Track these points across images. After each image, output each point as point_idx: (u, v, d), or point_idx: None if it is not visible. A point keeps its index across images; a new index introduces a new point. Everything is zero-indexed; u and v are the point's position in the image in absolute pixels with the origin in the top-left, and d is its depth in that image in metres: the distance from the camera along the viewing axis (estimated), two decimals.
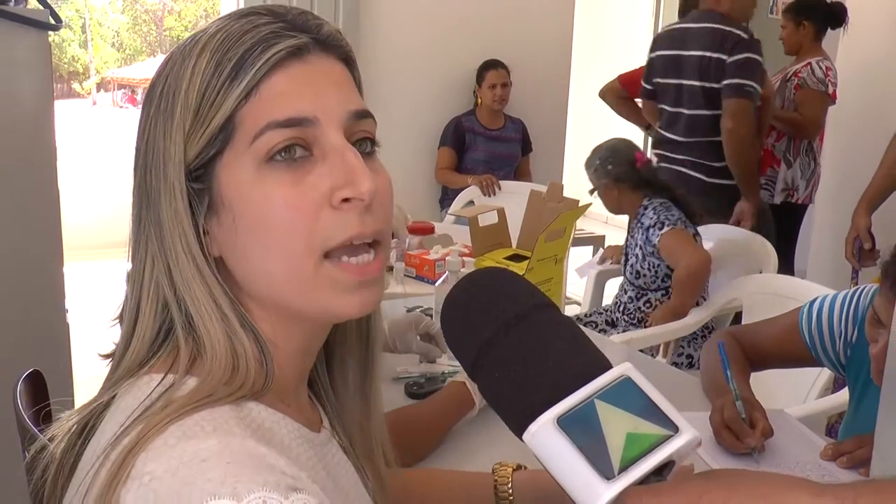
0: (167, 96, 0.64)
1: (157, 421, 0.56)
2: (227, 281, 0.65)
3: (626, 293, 2.86)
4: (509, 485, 0.92)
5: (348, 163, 0.62)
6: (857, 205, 2.78)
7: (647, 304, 2.80)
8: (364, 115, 0.66)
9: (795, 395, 1.96)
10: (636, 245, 2.74)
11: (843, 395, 1.90)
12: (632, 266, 2.79)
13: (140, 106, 0.68)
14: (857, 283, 2.66)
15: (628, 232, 2.83)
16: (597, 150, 2.77)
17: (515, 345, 0.55)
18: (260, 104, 0.62)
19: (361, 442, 0.78)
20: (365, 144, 0.67)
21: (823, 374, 1.95)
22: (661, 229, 2.64)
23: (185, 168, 0.63)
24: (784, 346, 1.56)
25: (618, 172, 2.69)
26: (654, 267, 2.71)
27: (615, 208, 2.80)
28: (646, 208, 2.69)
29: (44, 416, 0.92)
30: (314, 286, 0.63)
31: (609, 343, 2.00)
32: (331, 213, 0.62)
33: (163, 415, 0.57)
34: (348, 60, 0.69)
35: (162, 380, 0.62)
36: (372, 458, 0.79)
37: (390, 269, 2.35)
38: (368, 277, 0.64)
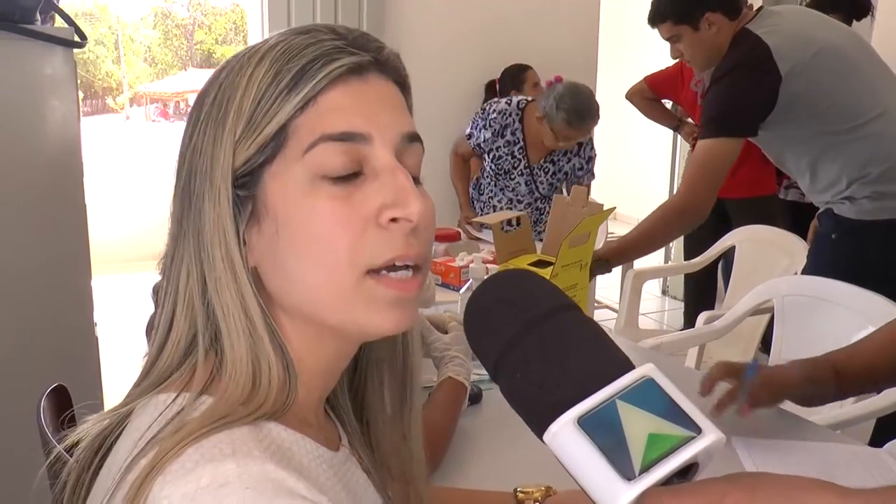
0: (220, 104, 0.63)
1: (174, 443, 0.55)
2: (261, 293, 0.64)
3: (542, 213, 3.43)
4: None
5: (399, 182, 0.63)
6: None
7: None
8: (415, 138, 0.67)
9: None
10: (576, 167, 3.36)
11: (882, 399, 1.85)
12: (566, 173, 3.38)
13: (188, 112, 0.67)
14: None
15: (553, 162, 3.36)
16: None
17: (536, 345, 0.54)
18: (316, 116, 0.62)
19: (398, 465, 0.77)
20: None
21: None
22: (591, 174, 3.41)
23: (232, 173, 0.62)
24: (887, 350, 1.50)
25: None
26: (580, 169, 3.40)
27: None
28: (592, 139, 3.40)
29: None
30: (352, 301, 0.63)
31: (636, 348, 1.98)
32: (377, 231, 0.62)
33: (179, 436, 0.56)
34: (403, 85, 0.70)
35: (175, 398, 0.61)
36: (412, 481, 0.77)
37: None
38: (406, 294, 0.64)
